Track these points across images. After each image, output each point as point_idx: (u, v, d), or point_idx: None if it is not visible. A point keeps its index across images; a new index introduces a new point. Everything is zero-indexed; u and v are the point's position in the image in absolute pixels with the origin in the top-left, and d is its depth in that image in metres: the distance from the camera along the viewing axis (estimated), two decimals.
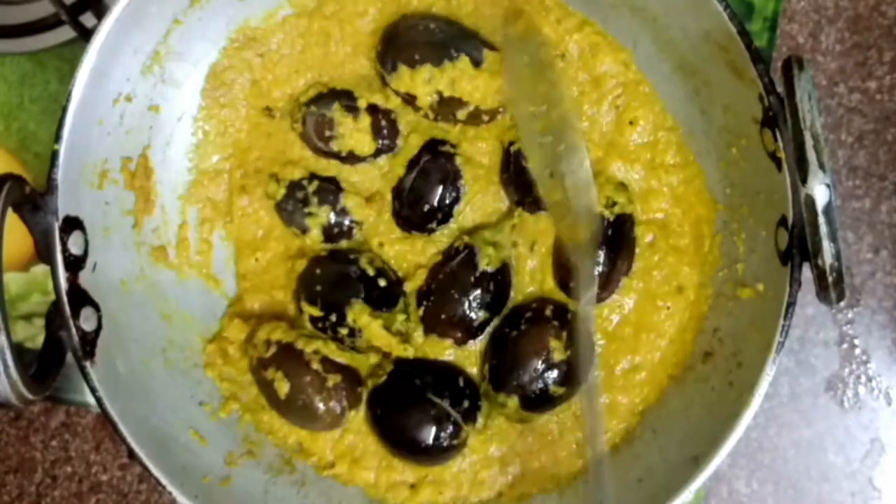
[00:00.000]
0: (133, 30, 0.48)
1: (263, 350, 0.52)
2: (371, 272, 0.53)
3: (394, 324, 0.52)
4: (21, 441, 0.63)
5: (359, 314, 0.52)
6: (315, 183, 0.54)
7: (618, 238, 0.52)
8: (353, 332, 0.52)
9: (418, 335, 0.53)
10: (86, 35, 0.55)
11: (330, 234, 0.54)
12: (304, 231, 0.54)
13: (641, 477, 0.49)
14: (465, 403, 0.51)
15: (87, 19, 0.56)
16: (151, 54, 0.51)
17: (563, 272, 0.53)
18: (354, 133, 0.53)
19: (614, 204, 0.52)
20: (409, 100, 0.53)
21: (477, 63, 0.52)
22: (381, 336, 0.52)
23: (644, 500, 0.47)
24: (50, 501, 0.63)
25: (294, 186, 0.54)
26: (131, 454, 0.47)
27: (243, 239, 0.56)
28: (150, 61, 0.51)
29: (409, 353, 0.52)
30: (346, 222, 0.54)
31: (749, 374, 0.45)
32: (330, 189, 0.54)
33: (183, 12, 0.51)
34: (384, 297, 0.53)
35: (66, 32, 0.58)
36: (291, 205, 0.54)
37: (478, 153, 0.54)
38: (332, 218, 0.54)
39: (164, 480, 0.47)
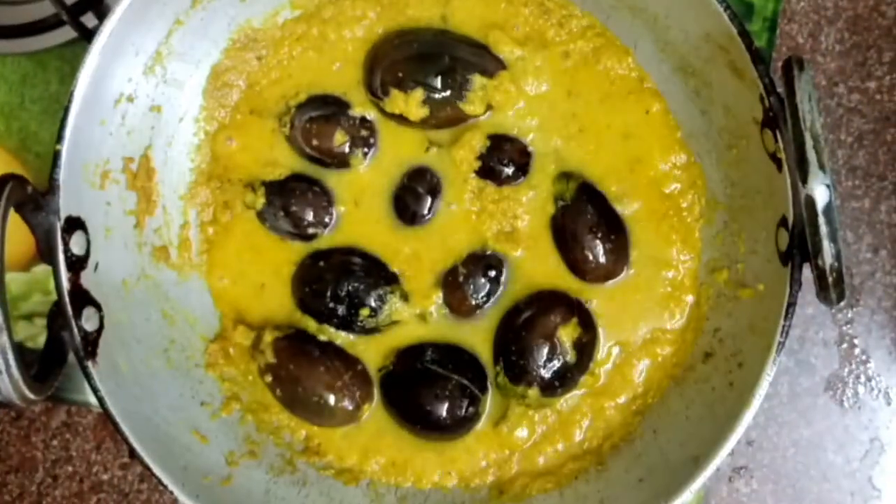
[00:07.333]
0: (135, 30, 0.48)
1: (271, 355, 0.52)
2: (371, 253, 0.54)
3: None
4: (22, 440, 0.63)
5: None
6: (293, 185, 0.54)
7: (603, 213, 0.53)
8: (374, 311, 0.53)
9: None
10: (87, 35, 0.55)
11: (313, 233, 0.54)
12: (290, 235, 0.54)
13: (642, 477, 0.49)
14: (475, 374, 0.52)
15: (89, 20, 0.56)
16: (153, 55, 0.51)
17: (575, 254, 0.52)
18: (355, 153, 0.54)
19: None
20: (403, 119, 0.53)
21: (490, 73, 0.53)
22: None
23: (645, 500, 0.47)
24: (51, 501, 0.63)
25: (272, 193, 0.54)
26: (132, 454, 0.47)
27: (229, 251, 0.56)
28: (151, 62, 0.51)
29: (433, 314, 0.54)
30: (328, 219, 0.54)
31: (749, 374, 0.45)
32: (312, 190, 0.54)
33: (185, 13, 0.51)
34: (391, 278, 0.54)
35: (67, 33, 0.58)
36: (273, 211, 0.54)
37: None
38: (315, 218, 0.54)
39: (165, 480, 0.47)
